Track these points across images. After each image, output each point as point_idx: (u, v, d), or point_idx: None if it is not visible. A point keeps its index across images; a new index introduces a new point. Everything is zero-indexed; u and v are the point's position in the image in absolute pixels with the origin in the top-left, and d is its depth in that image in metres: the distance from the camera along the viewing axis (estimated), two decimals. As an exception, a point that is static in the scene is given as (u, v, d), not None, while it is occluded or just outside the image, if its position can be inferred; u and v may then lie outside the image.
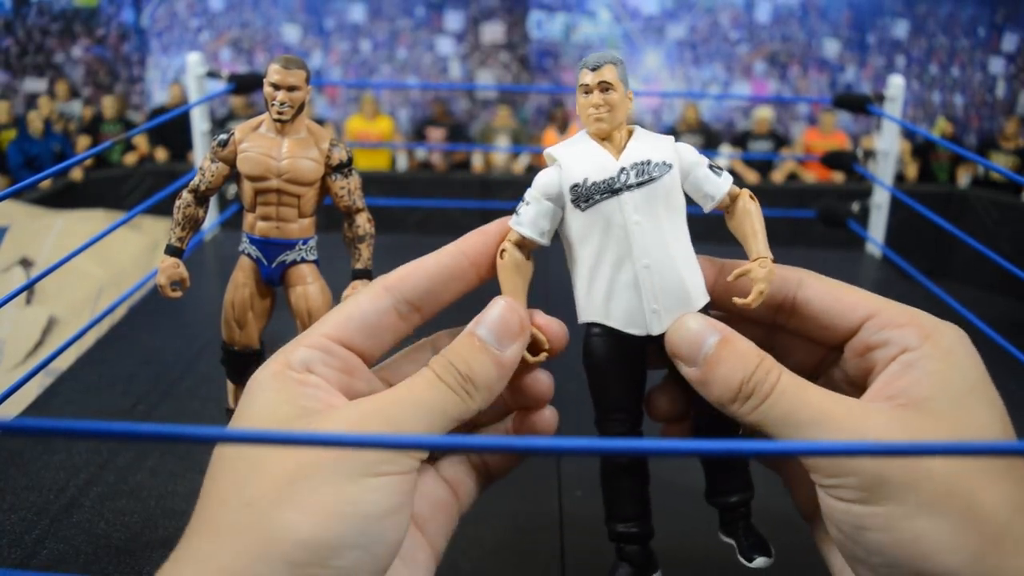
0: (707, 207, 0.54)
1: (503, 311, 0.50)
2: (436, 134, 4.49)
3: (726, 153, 4.01)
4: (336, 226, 0.77)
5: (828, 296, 0.52)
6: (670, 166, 0.51)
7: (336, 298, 0.74)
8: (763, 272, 0.51)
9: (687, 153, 0.53)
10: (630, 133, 0.54)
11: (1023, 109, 4.53)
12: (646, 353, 0.55)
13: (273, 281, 0.74)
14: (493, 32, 4.77)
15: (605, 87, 0.51)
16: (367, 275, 0.73)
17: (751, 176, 4.08)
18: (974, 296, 1.32)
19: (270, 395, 0.47)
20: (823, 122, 4.36)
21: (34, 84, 4.45)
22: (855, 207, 1.69)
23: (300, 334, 0.54)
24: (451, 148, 2.60)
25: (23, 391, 0.86)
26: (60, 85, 4.46)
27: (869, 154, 3.21)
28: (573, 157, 0.52)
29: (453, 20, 4.78)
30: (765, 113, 4.35)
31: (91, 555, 0.69)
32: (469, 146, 4.60)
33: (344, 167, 0.72)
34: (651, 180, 0.51)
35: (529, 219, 0.53)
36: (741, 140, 4.39)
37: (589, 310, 0.53)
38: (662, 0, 4.72)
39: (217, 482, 0.45)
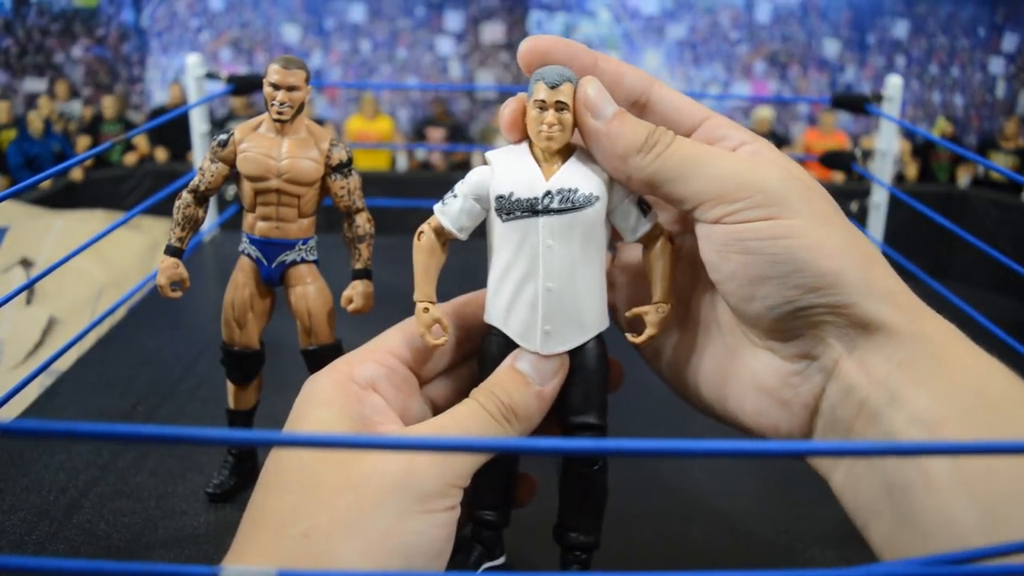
0: (627, 239, 0.56)
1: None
2: (436, 134, 4.49)
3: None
4: (336, 226, 0.77)
5: (675, 99, 0.56)
6: (597, 198, 0.53)
7: (336, 298, 0.74)
8: (658, 317, 0.55)
9: (620, 186, 0.54)
10: (571, 150, 0.54)
11: (1023, 109, 4.53)
12: None
13: (273, 281, 0.74)
14: (493, 32, 4.78)
15: (561, 107, 0.52)
16: (367, 275, 0.73)
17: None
18: (974, 296, 1.31)
19: (330, 409, 0.49)
20: (823, 122, 4.36)
21: (34, 84, 4.45)
22: (853, 207, 1.69)
23: (369, 343, 0.56)
24: (451, 148, 2.60)
25: (23, 392, 0.86)
26: (60, 85, 4.46)
27: (868, 154, 3.22)
28: (506, 167, 0.54)
29: (453, 20, 4.78)
30: (765, 113, 4.36)
31: (92, 556, 0.68)
32: (469, 146, 4.59)
33: (344, 167, 0.72)
34: (573, 209, 0.52)
35: (453, 213, 0.55)
36: (741, 140, 4.39)
37: (492, 313, 0.56)
38: (662, 0, 4.72)
39: (272, 502, 0.46)
